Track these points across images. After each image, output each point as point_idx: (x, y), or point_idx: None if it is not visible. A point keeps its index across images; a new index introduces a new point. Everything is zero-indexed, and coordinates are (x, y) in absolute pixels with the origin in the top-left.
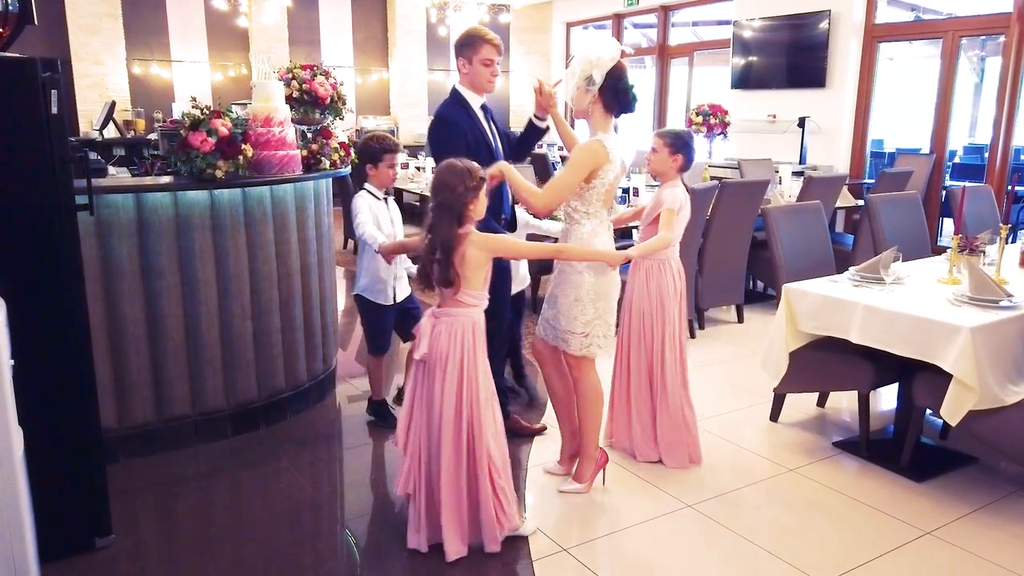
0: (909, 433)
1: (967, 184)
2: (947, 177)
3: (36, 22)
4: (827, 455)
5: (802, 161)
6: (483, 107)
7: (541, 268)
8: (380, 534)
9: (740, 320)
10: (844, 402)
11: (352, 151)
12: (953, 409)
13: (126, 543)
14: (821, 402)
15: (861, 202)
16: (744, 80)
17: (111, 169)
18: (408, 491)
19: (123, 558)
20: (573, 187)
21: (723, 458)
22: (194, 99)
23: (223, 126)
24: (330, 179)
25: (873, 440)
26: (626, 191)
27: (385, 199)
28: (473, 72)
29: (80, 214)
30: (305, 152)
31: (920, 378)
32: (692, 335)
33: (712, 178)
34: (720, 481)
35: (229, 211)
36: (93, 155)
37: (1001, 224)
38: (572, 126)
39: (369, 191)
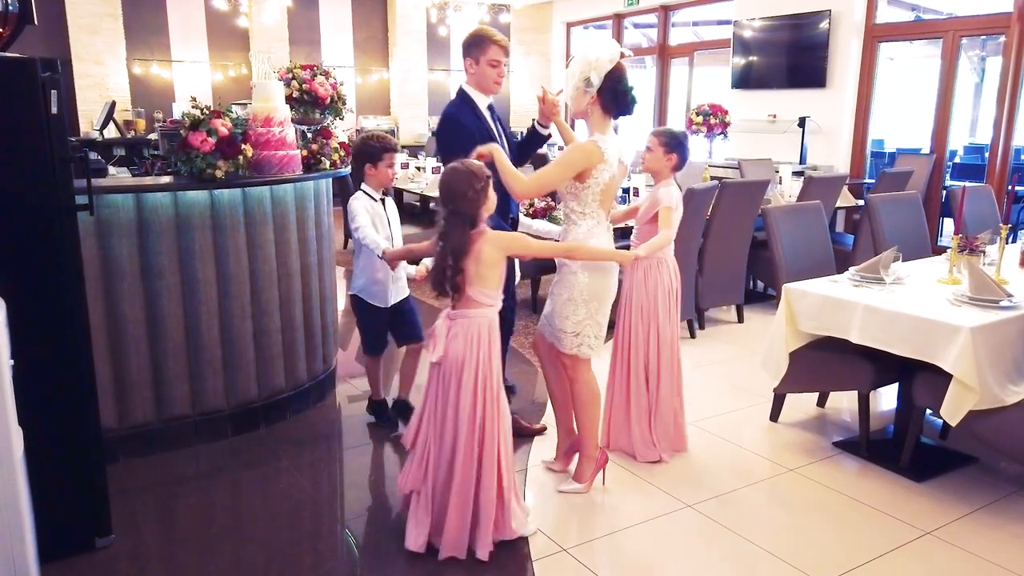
0: (909, 433)
1: (967, 184)
2: (947, 177)
3: (36, 22)
4: (827, 455)
5: (802, 161)
6: (489, 107)
7: (541, 268)
8: (380, 534)
9: (740, 320)
10: (844, 402)
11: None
12: (953, 409)
13: (126, 543)
14: (821, 402)
15: (861, 202)
16: (744, 80)
17: (111, 169)
18: (409, 490)
19: (123, 558)
20: (557, 183)
21: (723, 458)
22: (194, 99)
23: (223, 126)
24: (330, 179)
25: (873, 440)
26: (626, 191)
27: (382, 200)
28: (480, 72)
29: (80, 214)
30: (305, 152)
31: (920, 378)
32: (692, 335)
33: (712, 178)
34: (720, 481)
35: (229, 211)
36: (93, 155)
37: (1001, 224)
38: (572, 127)
39: (366, 192)
